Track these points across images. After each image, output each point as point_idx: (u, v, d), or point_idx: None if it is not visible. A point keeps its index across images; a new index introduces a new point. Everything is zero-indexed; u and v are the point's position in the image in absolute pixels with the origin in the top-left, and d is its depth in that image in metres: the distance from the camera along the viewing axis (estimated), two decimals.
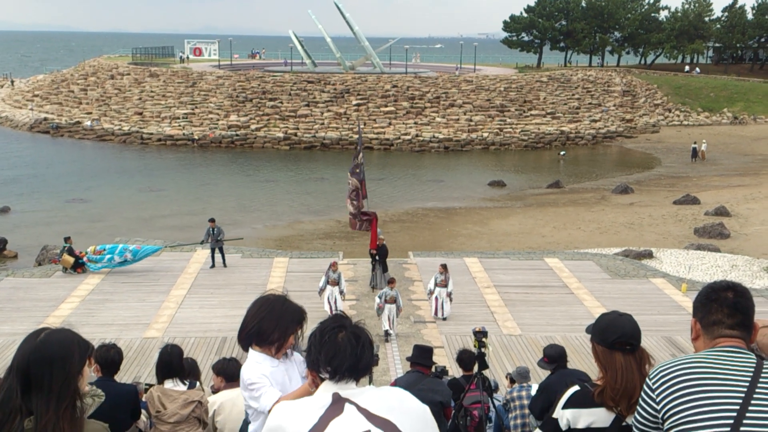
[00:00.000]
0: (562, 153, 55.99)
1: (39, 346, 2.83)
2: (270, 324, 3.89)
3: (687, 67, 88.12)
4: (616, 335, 3.56)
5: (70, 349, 2.86)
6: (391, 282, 18.86)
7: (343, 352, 2.73)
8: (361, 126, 27.54)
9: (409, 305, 20.27)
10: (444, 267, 19.79)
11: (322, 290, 19.35)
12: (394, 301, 18.23)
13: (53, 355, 2.81)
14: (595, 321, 3.74)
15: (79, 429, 2.88)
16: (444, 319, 19.48)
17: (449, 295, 19.52)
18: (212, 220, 24.16)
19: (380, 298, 18.40)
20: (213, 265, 23.71)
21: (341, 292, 19.46)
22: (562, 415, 3.66)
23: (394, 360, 17.01)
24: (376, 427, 2.57)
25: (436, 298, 19.54)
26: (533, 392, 9.33)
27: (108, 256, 23.10)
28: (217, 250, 23.78)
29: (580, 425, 3.60)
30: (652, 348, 17.23)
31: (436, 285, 19.55)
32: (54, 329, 2.94)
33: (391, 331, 18.18)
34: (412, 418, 2.69)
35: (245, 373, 3.96)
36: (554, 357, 7.45)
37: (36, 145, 56.53)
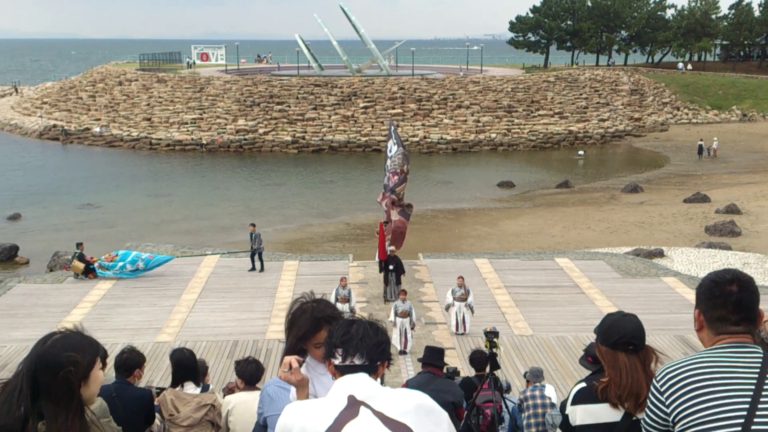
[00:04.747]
0: (580, 152, 55.79)
1: (45, 352, 2.82)
2: None
3: (680, 64, 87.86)
4: (618, 335, 3.62)
5: (75, 357, 2.82)
6: (402, 293, 18.14)
7: (354, 333, 2.81)
8: (394, 125, 27.35)
9: (419, 306, 20.19)
10: (462, 279, 18.89)
11: None
12: (406, 315, 17.38)
13: (58, 363, 2.78)
14: (600, 321, 3.77)
15: None
16: (464, 333, 18.37)
17: (470, 307, 18.49)
18: (253, 225, 24.49)
19: (393, 313, 17.53)
20: (253, 268, 23.88)
21: (351, 310, 18.50)
22: (572, 411, 3.75)
23: (406, 364, 16.99)
24: (392, 431, 2.55)
25: (456, 313, 18.45)
26: (547, 392, 9.33)
27: (120, 264, 23.20)
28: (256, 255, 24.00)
29: (589, 421, 3.67)
30: (664, 347, 17.17)
31: (454, 299, 18.48)
32: (63, 334, 2.91)
33: (406, 351, 17.29)
34: (429, 421, 2.66)
35: None
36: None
37: (46, 152, 56.81)
